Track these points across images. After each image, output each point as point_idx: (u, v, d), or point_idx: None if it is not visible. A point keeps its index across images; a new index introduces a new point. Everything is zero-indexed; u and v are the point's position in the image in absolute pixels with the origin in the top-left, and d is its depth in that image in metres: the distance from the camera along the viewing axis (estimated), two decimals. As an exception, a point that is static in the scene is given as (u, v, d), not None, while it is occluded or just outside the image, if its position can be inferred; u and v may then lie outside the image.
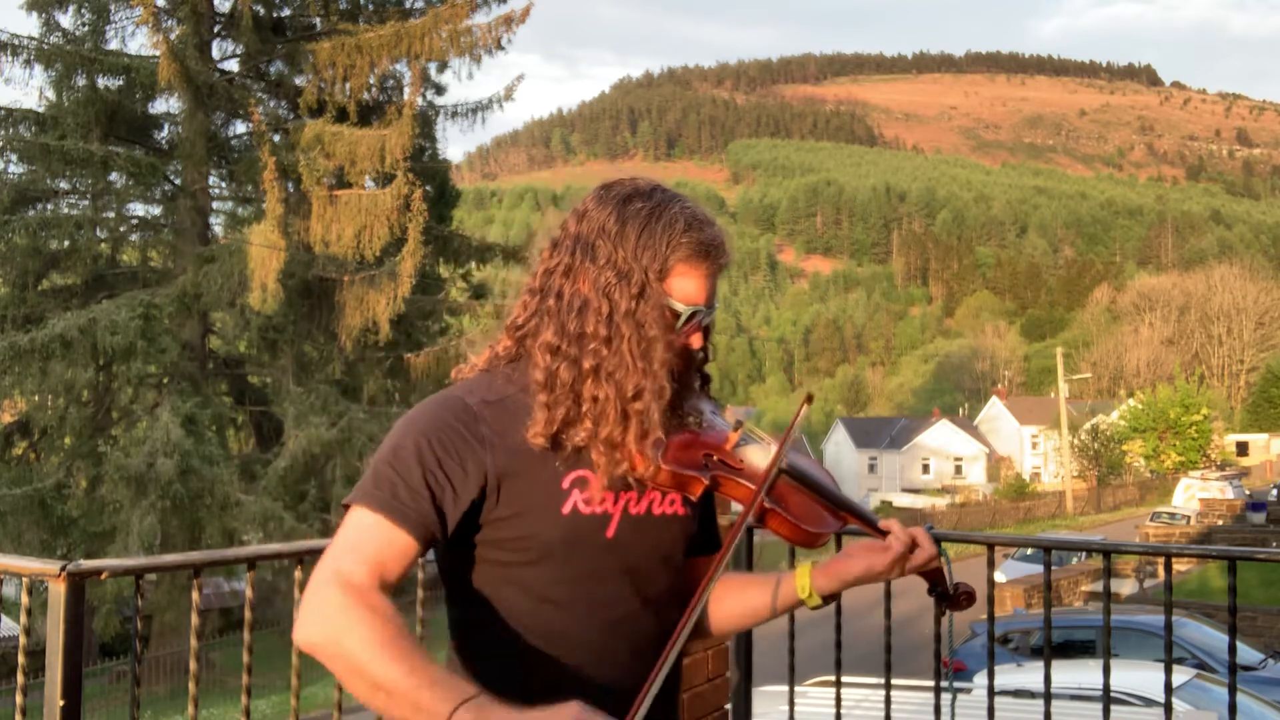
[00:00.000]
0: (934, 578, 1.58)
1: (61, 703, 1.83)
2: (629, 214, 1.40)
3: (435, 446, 1.35)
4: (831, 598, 1.56)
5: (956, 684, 6.73)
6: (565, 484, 1.39)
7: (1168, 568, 2.57)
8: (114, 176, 18.66)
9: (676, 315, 1.41)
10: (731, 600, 1.59)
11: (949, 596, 1.60)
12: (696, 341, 1.45)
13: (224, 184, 20.81)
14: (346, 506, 1.36)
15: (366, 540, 1.30)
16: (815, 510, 1.51)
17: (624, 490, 1.42)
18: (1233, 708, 2.52)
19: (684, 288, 1.40)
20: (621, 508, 1.42)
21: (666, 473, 1.41)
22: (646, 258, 1.38)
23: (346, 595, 1.24)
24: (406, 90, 19.71)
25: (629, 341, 1.37)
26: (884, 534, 1.53)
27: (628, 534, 1.42)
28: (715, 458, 1.47)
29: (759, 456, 1.48)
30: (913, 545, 1.50)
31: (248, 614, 2.20)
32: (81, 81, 18.34)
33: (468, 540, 1.39)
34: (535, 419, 1.38)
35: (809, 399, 1.54)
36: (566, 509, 1.39)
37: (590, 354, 1.38)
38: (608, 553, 1.41)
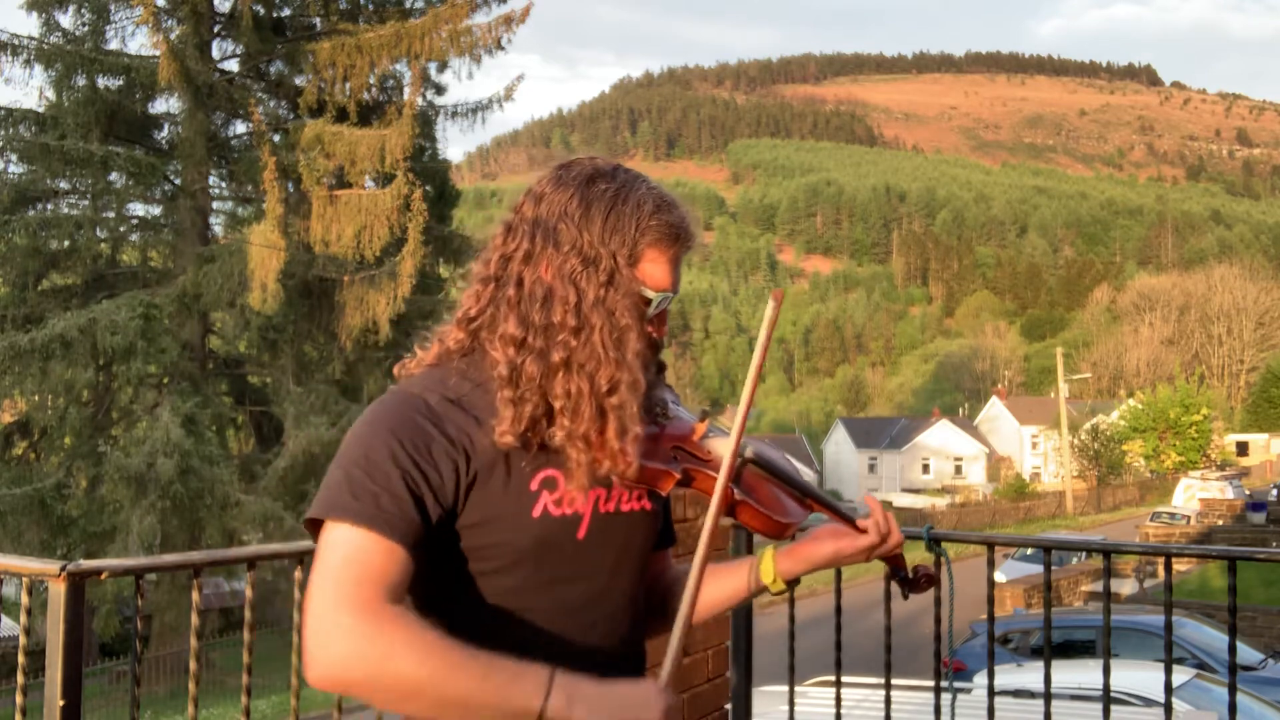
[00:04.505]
0: (896, 563, 1.58)
1: (61, 703, 1.83)
2: (593, 196, 1.31)
3: (408, 448, 1.24)
4: (795, 582, 1.53)
5: (956, 684, 6.73)
6: (534, 485, 1.30)
7: (1168, 568, 2.57)
8: (114, 176, 18.65)
9: (647, 302, 1.33)
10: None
11: (909, 580, 1.60)
12: (664, 330, 1.38)
13: (224, 184, 20.81)
14: (314, 523, 1.23)
15: (361, 558, 1.17)
16: (783, 500, 1.48)
17: (593, 488, 1.34)
18: (1233, 708, 2.52)
19: (653, 273, 1.33)
20: (591, 507, 1.34)
21: (639, 468, 1.33)
22: (615, 242, 1.30)
23: (369, 619, 1.11)
24: (406, 90, 19.71)
25: (600, 332, 1.28)
26: (853, 522, 1.50)
27: (598, 534, 1.35)
28: (684, 450, 1.41)
29: (727, 448, 1.40)
30: (885, 534, 1.49)
31: (248, 614, 2.20)
32: (81, 81, 18.33)
33: (434, 547, 1.28)
34: (502, 417, 1.28)
35: (778, 296, 1.37)
36: (537, 512, 1.30)
37: (560, 346, 1.29)
38: (578, 554, 1.33)
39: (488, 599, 1.31)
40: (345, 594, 1.14)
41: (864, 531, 1.49)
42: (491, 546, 1.29)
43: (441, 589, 1.32)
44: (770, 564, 1.51)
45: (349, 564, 1.16)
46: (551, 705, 1.10)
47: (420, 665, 1.10)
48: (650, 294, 1.33)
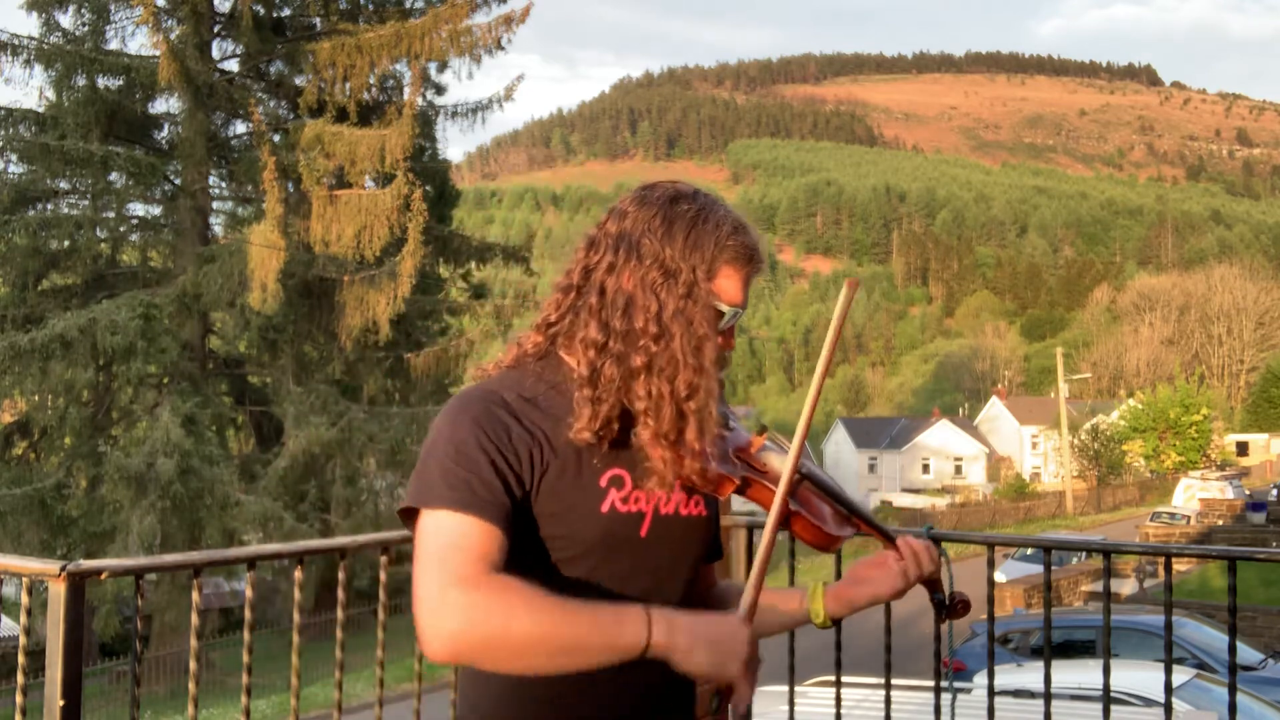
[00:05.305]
0: (935, 586, 1.67)
1: (61, 703, 1.83)
2: (676, 214, 1.41)
3: (491, 435, 1.34)
4: (837, 621, 1.64)
5: (956, 684, 6.73)
6: (603, 481, 1.39)
7: (1168, 568, 2.57)
8: (114, 176, 18.65)
9: (720, 315, 1.42)
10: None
11: (947, 605, 1.69)
12: (732, 344, 1.48)
13: (224, 184, 20.82)
14: (408, 512, 1.32)
15: (463, 539, 1.27)
16: (833, 515, 1.57)
17: (655, 489, 1.42)
18: (1233, 708, 2.51)
19: (727, 289, 1.42)
20: (653, 507, 1.42)
21: (704, 471, 1.41)
22: (695, 258, 1.39)
23: (480, 589, 1.21)
24: (406, 90, 19.72)
25: (680, 340, 1.37)
26: (892, 540, 1.60)
27: (658, 534, 1.43)
28: (742, 460, 1.50)
29: (780, 463, 1.51)
30: (916, 561, 1.58)
31: (248, 614, 2.20)
32: (81, 81, 18.33)
33: (515, 534, 1.36)
34: (580, 414, 1.37)
35: (853, 284, 1.44)
36: (605, 507, 1.38)
37: (641, 351, 1.37)
38: (639, 552, 1.41)
39: (552, 590, 1.35)
40: (452, 573, 1.23)
41: (900, 555, 1.58)
42: (562, 537, 1.38)
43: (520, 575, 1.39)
44: (820, 602, 1.60)
45: (452, 547, 1.26)
46: (655, 639, 1.23)
47: (536, 621, 1.21)
48: (724, 308, 1.42)
